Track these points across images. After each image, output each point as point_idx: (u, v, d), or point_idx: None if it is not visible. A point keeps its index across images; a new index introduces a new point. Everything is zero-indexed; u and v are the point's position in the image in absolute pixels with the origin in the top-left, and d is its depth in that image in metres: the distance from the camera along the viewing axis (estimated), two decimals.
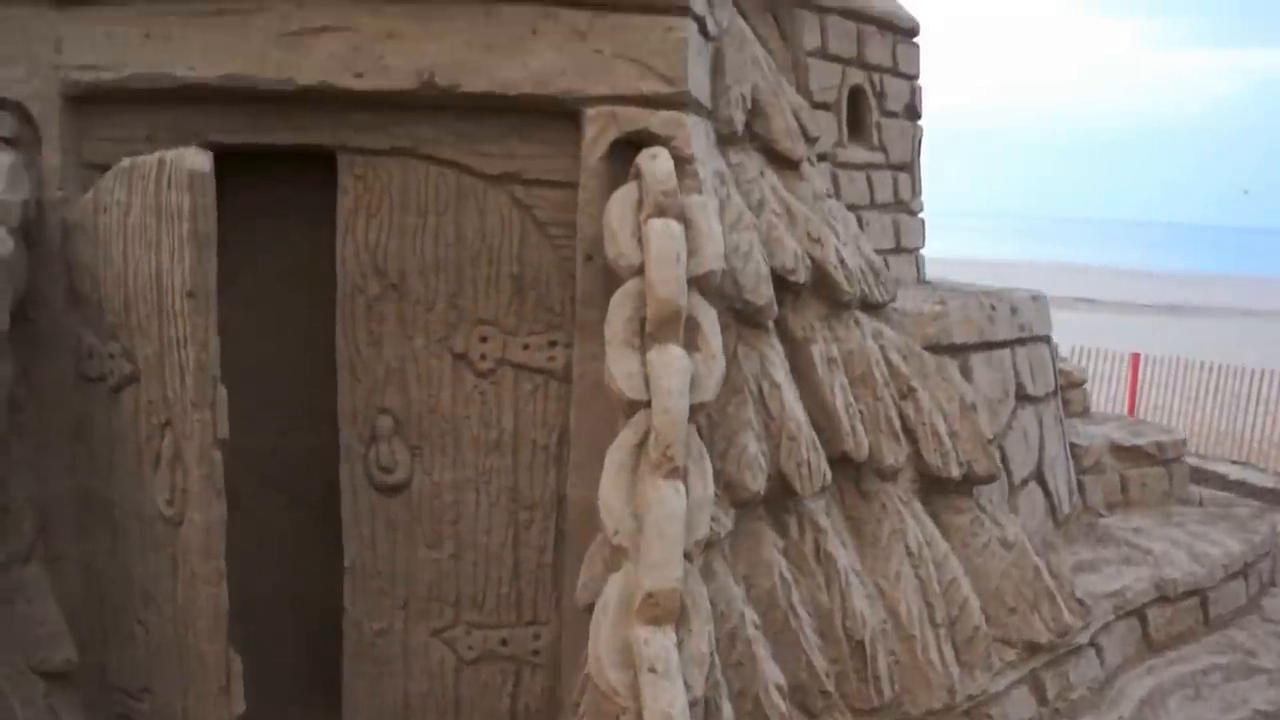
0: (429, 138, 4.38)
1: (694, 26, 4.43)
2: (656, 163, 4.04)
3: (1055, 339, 14.40)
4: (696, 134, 4.43)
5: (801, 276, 4.56)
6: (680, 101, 4.30)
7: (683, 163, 4.25)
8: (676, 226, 3.87)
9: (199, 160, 3.67)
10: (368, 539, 4.50)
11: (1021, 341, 5.80)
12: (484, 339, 4.44)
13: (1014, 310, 5.75)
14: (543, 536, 4.44)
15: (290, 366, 4.77)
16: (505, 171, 4.39)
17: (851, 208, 5.79)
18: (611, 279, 4.04)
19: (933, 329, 5.25)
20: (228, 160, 4.25)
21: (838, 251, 4.74)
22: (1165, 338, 25.09)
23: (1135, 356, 14.69)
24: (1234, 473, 11.19)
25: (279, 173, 4.54)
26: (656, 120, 4.27)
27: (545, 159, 4.39)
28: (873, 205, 5.90)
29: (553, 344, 4.42)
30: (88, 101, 4.31)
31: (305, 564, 4.80)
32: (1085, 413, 7.42)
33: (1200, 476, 11.29)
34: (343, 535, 4.50)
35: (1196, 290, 43.00)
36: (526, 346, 4.43)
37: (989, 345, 5.51)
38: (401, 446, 4.44)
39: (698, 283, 3.92)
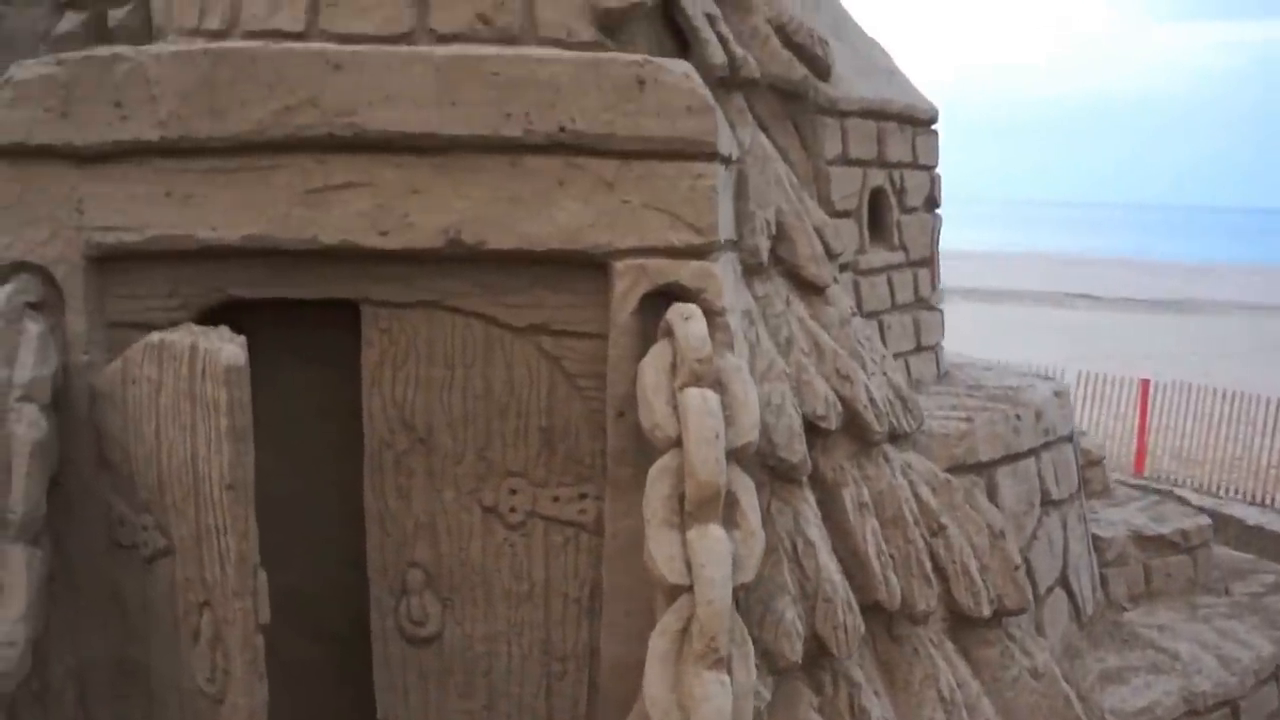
0: (455, 290, 4.43)
1: (722, 168, 4.50)
2: (690, 325, 4.10)
3: (1063, 372, 14.35)
4: (725, 274, 4.50)
5: (833, 423, 4.64)
6: (710, 250, 4.37)
7: (714, 315, 4.31)
8: (714, 399, 3.94)
9: (235, 354, 3.72)
10: (400, 690, 4.58)
11: (1046, 446, 5.89)
12: (513, 491, 4.51)
13: (1038, 416, 5.83)
14: (575, 689, 4.52)
15: (316, 503, 4.83)
16: (533, 323, 4.44)
17: (872, 314, 5.87)
18: (644, 437, 4.12)
19: (959, 449, 5.34)
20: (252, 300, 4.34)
21: (867, 389, 4.82)
22: (1171, 342, 25.32)
23: (1145, 383, 14.81)
24: (1251, 516, 11.32)
25: (304, 313, 4.60)
26: (687, 272, 4.32)
27: (573, 309, 4.44)
28: (893, 308, 5.97)
29: (583, 496, 4.49)
30: (110, 260, 4.36)
31: (330, 704, 4.89)
32: (1105, 491, 7.52)
33: (1216, 521, 11.39)
34: (375, 686, 4.58)
35: (1202, 282, 43.24)
36: (556, 499, 4.50)
37: (1014, 457, 5.60)
38: (433, 599, 4.51)
39: (736, 455, 3.98)
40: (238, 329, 4.17)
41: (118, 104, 4.29)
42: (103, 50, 4.35)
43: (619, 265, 4.30)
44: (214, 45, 4.30)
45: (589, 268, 4.36)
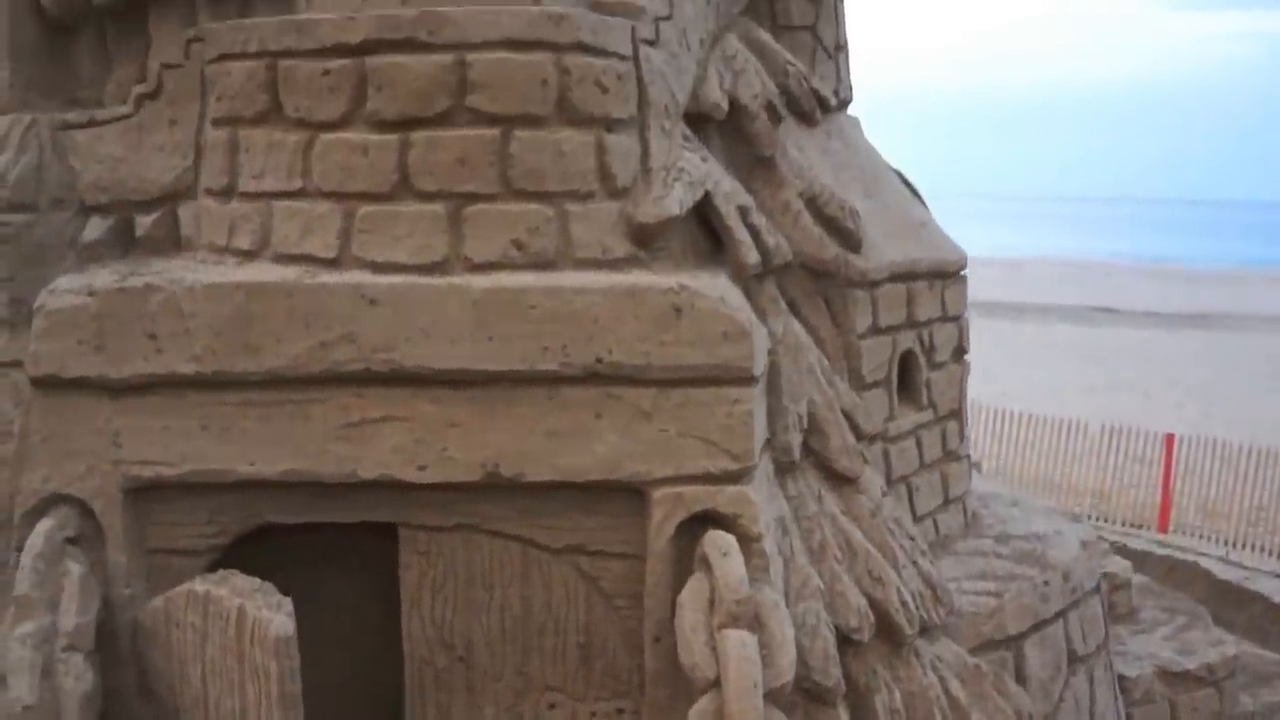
0: (493, 515, 4.60)
1: (757, 389, 4.67)
2: (728, 564, 4.27)
3: (1087, 425, 14.28)
4: (760, 491, 4.66)
5: (865, 635, 4.82)
6: (746, 474, 4.53)
7: (750, 541, 4.48)
8: (752, 644, 4.11)
9: (284, 625, 3.90)
10: None
11: (1074, 605, 6.07)
12: (552, 706, 4.68)
13: (1066, 577, 6.01)
14: None
15: (353, 706, 5.03)
16: (569, 544, 4.61)
17: (901, 479, 6.04)
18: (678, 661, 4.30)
19: (988, 627, 5.52)
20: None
21: (899, 591, 4.99)
22: (1194, 368, 25.44)
23: (1170, 439, 15.00)
24: (1278, 592, 11.45)
25: (342, 528, 4.77)
26: (723, 498, 4.49)
27: (609, 531, 4.61)
28: (921, 467, 6.14)
29: (620, 711, 4.67)
30: (147, 491, 4.53)
31: None
32: (1131, 614, 7.70)
33: (1241, 599, 11.53)
34: None
35: (1223, 291, 43.31)
36: (594, 714, 4.68)
37: (1042, 624, 5.79)
38: None
39: (772, 695, 4.17)
40: (272, 538, 4.36)
41: (152, 336, 4.45)
42: (135, 280, 4.50)
43: (656, 494, 4.47)
44: (248, 279, 4.45)
45: (625, 491, 4.54)
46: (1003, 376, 21.96)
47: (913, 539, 5.43)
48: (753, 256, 5.05)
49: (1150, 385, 22.76)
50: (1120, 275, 49.68)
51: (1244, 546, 13.65)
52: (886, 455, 5.89)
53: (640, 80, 4.83)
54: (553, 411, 4.44)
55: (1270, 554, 13.62)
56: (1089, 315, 34.27)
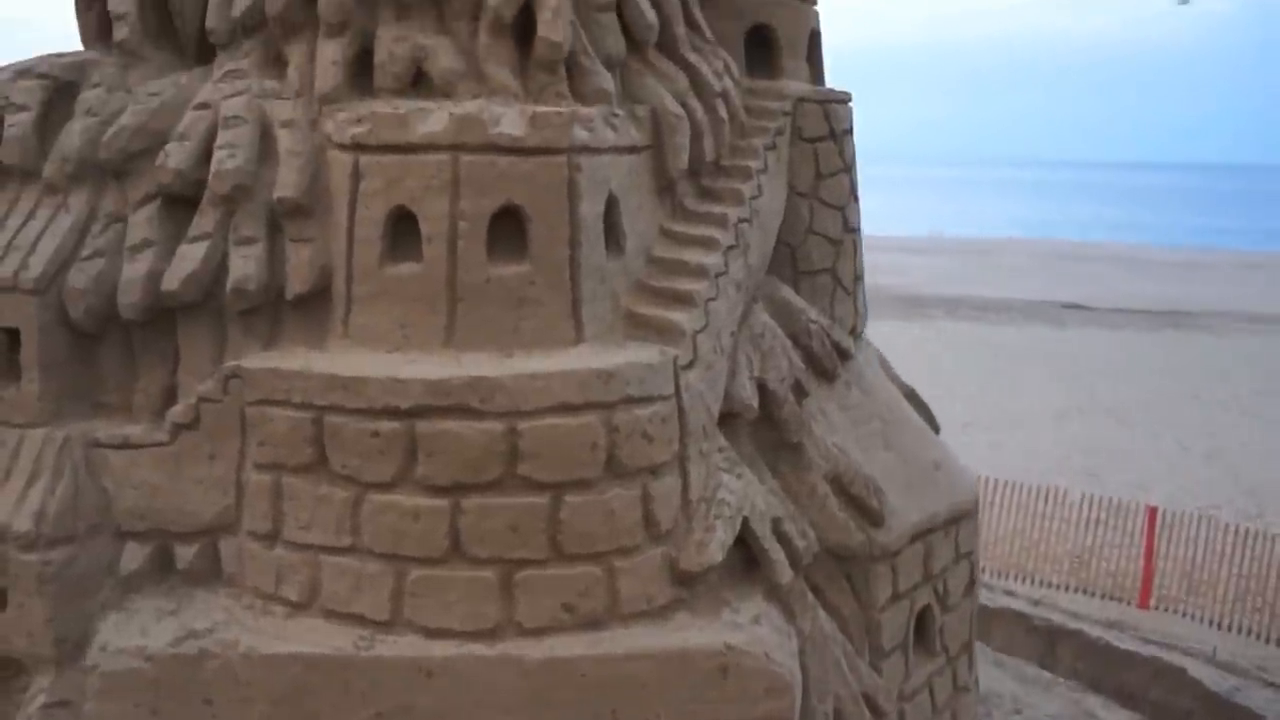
0: None
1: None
2: None
3: (1066, 493, 14.63)
4: None
5: None
6: None
7: None
8: None
9: None
10: None
11: None
12: None
13: None
14: None
15: None
16: None
17: None
18: None
19: None
20: None
21: None
22: (1167, 382, 26.19)
23: (1152, 512, 15.67)
24: (1271, 710, 11.97)
25: None
26: None
27: None
28: (934, 712, 6.62)
29: None
30: None
31: None
32: None
33: (1233, 715, 11.99)
34: None
35: (1199, 283, 44.04)
36: None
37: None
38: None
39: None
40: None
41: (208, 701, 4.76)
42: (190, 646, 4.80)
43: None
44: (305, 650, 4.77)
45: None
46: (969, 400, 22.56)
47: None
48: (786, 575, 5.44)
49: (1125, 408, 23.46)
50: (1092, 263, 50.56)
51: (1231, 628, 14.16)
52: (902, 715, 6.37)
53: (681, 411, 5.19)
54: None
55: (1258, 637, 14.11)
56: (1059, 314, 35.00)
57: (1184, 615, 15.16)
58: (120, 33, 5.99)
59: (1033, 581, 15.49)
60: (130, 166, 5.53)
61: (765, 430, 5.97)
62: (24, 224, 5.53)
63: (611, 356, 5.02)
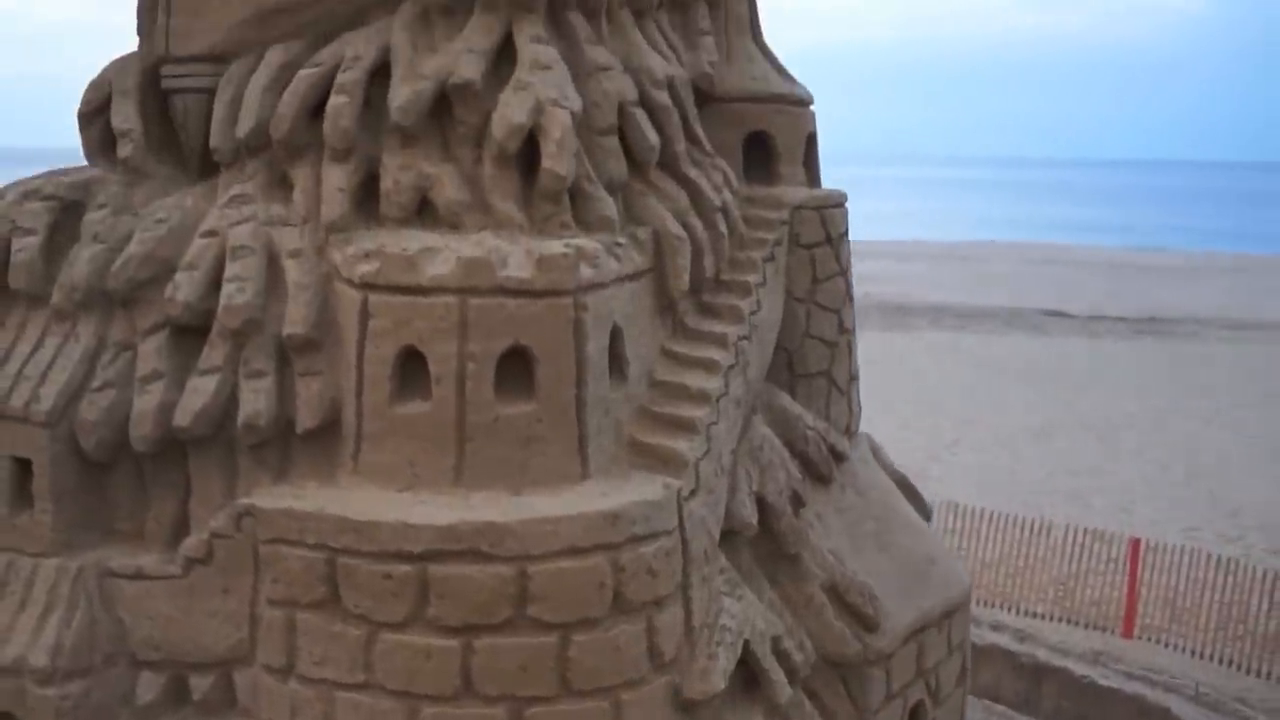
0: None
1: None
2: None
3: (1050, 527, 14.79)
4: None
5: None
6: None
7: None
8: None
9: None
10: None
11: None
12: None
13: None
14: None
15: None
16: None
17: None
18: None
19: None
20: None
21: None
22: (1146, 399, 26.52)
23: (1135, 544, 15.96)
24: None
25: None
26: None
27: None
28: None
29: None
30: None
31: None
32: None
33: None
34: None
35: (1180, 288, 44.49)
36: None
37: None
38: None
39: None
40: None
41: None
42: None
43: None
44: None
45: None
46: (955, 418, 22.82)
47: None
48: (785, 695, 5.67)
49: (1107, 424, 23.79)
50: (1070, 267, 51.02)
51: (1213, 658, 14.41)
52: None
53: (684, 543, 5.39)
54: None
55: (1239, 668, 14.37)
56: (1040, 321, 35.39)
57: (1167, 646, 15.38)
58: (124, 150, 6.14)
59: (1018, 611, 15.71)
60: (138, 295, 5.68)
61: (764, 542, 6.18)
62: (33, 352, 5.68)
63: (617, 494, 5.21)
